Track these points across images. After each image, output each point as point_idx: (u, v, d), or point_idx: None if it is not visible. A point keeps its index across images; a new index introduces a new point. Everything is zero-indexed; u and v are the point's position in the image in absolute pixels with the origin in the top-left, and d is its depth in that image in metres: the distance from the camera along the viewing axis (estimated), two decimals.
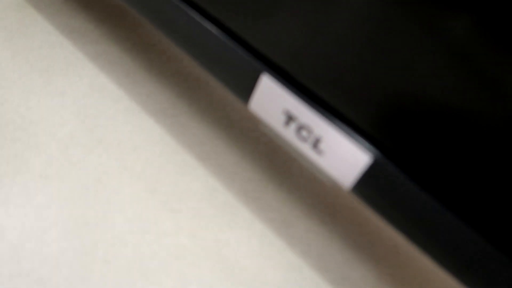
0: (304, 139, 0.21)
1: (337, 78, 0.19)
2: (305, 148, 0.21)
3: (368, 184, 0.19)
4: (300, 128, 0.21)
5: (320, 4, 0.19)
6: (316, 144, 0.20)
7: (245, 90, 0.22)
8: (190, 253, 0.25)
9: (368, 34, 0.17)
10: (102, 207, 0.25)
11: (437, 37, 0.16)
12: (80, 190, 0.26)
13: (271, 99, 0.21)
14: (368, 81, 0.18)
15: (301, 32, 0.20)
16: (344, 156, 0.20)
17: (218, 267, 0.25)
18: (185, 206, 0.27)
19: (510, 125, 0.15)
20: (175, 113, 0.35)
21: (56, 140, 0.28)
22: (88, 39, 0.38)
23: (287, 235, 0.29)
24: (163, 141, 0.32)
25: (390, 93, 0.18)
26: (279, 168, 0.34)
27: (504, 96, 0.15)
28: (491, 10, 0.14)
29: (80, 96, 0.32)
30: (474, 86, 0.16)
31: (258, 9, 0.21)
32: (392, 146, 0.18)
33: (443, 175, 0.17)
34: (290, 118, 0.21)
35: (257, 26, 0.21)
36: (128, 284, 0.22)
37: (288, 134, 0.21)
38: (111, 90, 0.34)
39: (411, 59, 0.17)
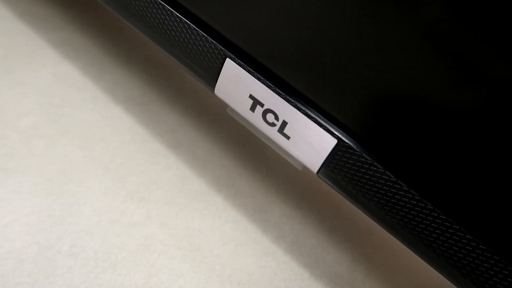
0: (271, 124, 0.20)
1: (302, 62, 0.19)
2: (273, 133, 0.21)
3: (335, 167, 0.19)
4: (267, 112, 0.20)
5: None
6: (283, 128, 0.20)
7: (211, 75, 0.22)
8: (160, 243, 0.24)
9: (333, 19, 0.17)
10: (67, 200, 0.24)
11: (398, 20, 0.16)
12: (44, 182, 0.25)
13: (236, 84, 0.21)
14: (334, 65, 0.18)
15: (267, 17, 0.19)
16: (310, 140, 0.19)
17: (189, 256, 0.25)
18: (155, 195, 0.27)
19: (466, 102, 0.15)
20: (145, 100, 0.34)
21: (18, 131, 0.27)
22: (51, 26, 0.37)
23: (261, 221, 0.29)
24: (132, 129, 0.31)
25: (355, 78, 0.18)
26: (253, 154, 0.33)
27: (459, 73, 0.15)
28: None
29: (43, 85, 0.31)
30: (437, 70, 0.15)
31: None
32: (359, 129, 0.18)
33: (409, 158, 0.17)
34: (256, 103, 0.20)
35: (222, 10, 0.20)
36: (95, 276, 0.22)
37: (255, 118, 0.21)
38: (76, 79, 0.32)
39: (373, 44, 0.16)
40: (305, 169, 0.21)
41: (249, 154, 0.33)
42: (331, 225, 0.31)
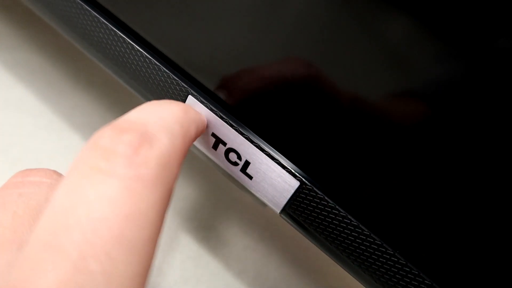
0: (233, 163, 0.20)
1: (266, 104, 0.19)
2: (235, 172, 0.20)
3: (297, 209, 0.19)
4: (229, 151, 0.20)
5: (251, 28, 0.18)
6: (245, 168, 0.20)
7: None
8: None
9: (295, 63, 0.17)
10: None
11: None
12: None
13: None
14: (297, 108, 0.18)
15: (231, 55, 0.19)
16: (273, 181, 0.19)
17: None
18: None
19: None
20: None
21: None
22: (4, 45, 0.35)
23: (223, 255, 0.28)
24: None
25: (319, 121, 0.18)
26: (216, 183, 0.33)
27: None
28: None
29: None
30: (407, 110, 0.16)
31: (187, 29, 0.20)
32: (322, 172, 0.18)
33: (371, 203, 0.17)
34: (218, 141, 0.20)
35: (185, 46, 0.20)
36: None
37: (217, 157, 0.21)
38: (30, 104, 0.31)
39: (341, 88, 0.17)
40: (265, 208, 0.21)
41: (212, 183, 0.33)
42: (295, 257, 0.30)
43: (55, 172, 0.16)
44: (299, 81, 0.17)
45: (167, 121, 0.14)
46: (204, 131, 0.16)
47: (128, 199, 0.11)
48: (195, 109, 0.16)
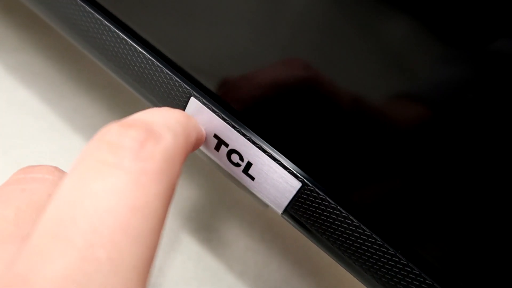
0: (235, 164, 0.20)
1: (268, 106, 0.19)
2: (237, 173, 0.20)
3: (299, 210, 0.19)
4: (231, 152, 0.20)
5: (254, 32, 0.18)
6: (247, 169, 0.20)
7: None
8: None
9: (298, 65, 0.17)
10: None
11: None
12: None
13: (201, 123, 0.20)
14: (299, 110, 0.18)
15: (233, 58, 0.19)
16: (275, 182, 0.19)
17: None
18: None
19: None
20: None
21: None
22: (6, 47, 0.35)
23: (224, 256, 0.28)
24: None
25: (320, 122, 0.18)
26: (218, 184, 0.33)
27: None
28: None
29: None
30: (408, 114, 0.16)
31: (190, 31, 0.20)
32: (324, 173, 0.18)
33: (373, 203, 0.18)
34: (220, 143, 0.20)
35: (187, 48, 0.20)
36: None
37: (219, 158, 0.21)
38: (32, 106, 0.31)
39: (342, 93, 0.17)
40: (267, 209, 0.21)
41: (214, 184, 0.33)
42: (296, 258, 0.30)
43: (56, 169, 0.16)
44: (301, 82, 0.18)
45: (170, 121, 0.15)
46: (202, 143, 0.17)
47: (134, 190, 0.11)
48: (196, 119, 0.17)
